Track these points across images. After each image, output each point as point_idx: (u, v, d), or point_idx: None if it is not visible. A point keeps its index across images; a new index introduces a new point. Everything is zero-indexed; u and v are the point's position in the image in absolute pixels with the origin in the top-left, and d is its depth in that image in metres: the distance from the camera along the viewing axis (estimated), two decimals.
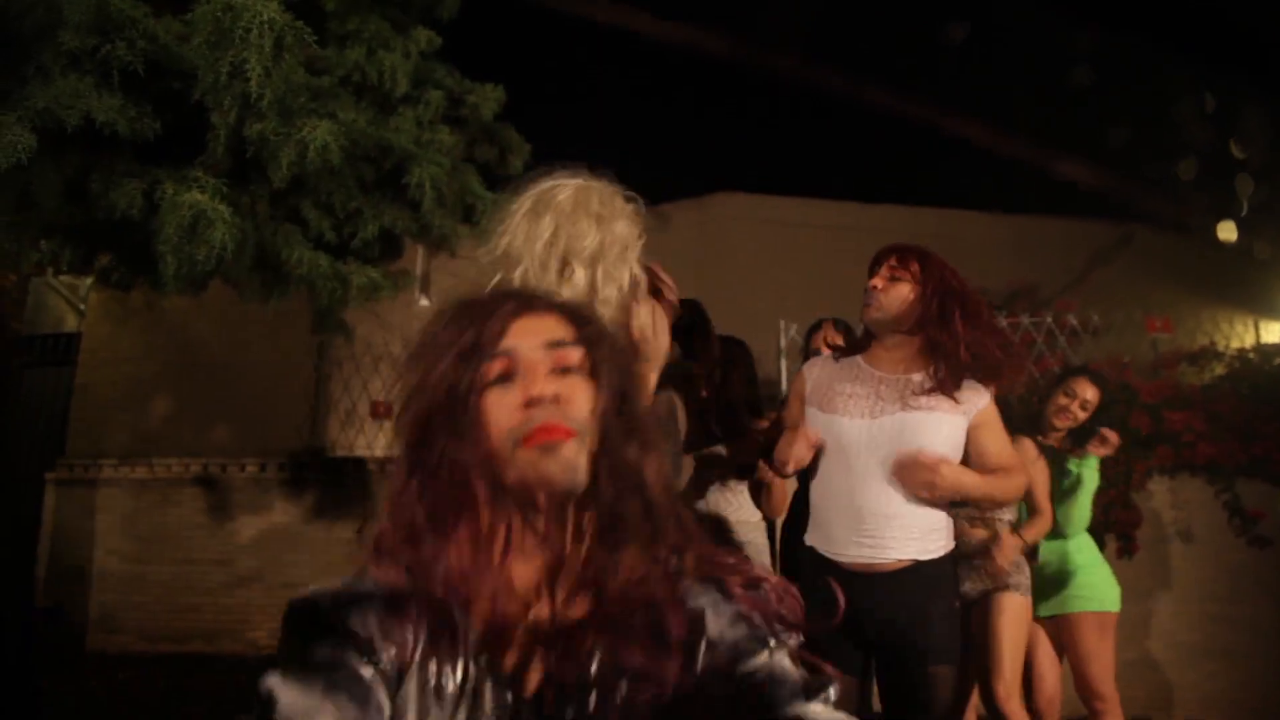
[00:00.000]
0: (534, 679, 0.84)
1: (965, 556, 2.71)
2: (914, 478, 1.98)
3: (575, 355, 0.93)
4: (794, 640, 0.91)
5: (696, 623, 0.88)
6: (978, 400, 2.09)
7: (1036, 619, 2.95)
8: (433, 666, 0.81)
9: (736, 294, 5.96)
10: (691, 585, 0.92)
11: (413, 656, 0.81)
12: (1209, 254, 7.29)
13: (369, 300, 4.11)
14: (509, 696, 0.83)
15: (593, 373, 0.94)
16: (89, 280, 6.80)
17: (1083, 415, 3.10)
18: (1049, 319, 5.65)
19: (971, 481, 2.05)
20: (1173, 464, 4.99)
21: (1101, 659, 2.87)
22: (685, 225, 7.15)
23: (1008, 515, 2.90)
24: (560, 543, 0.89)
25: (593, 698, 0.82)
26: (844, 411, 2.09)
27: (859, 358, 2.19)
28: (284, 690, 0.74)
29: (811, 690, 0.84)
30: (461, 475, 0.87)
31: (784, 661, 0.88)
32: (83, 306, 7.86)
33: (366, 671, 0.78)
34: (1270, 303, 7.22)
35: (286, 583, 5.99)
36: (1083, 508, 3.02)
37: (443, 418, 0.89)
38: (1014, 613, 2.76)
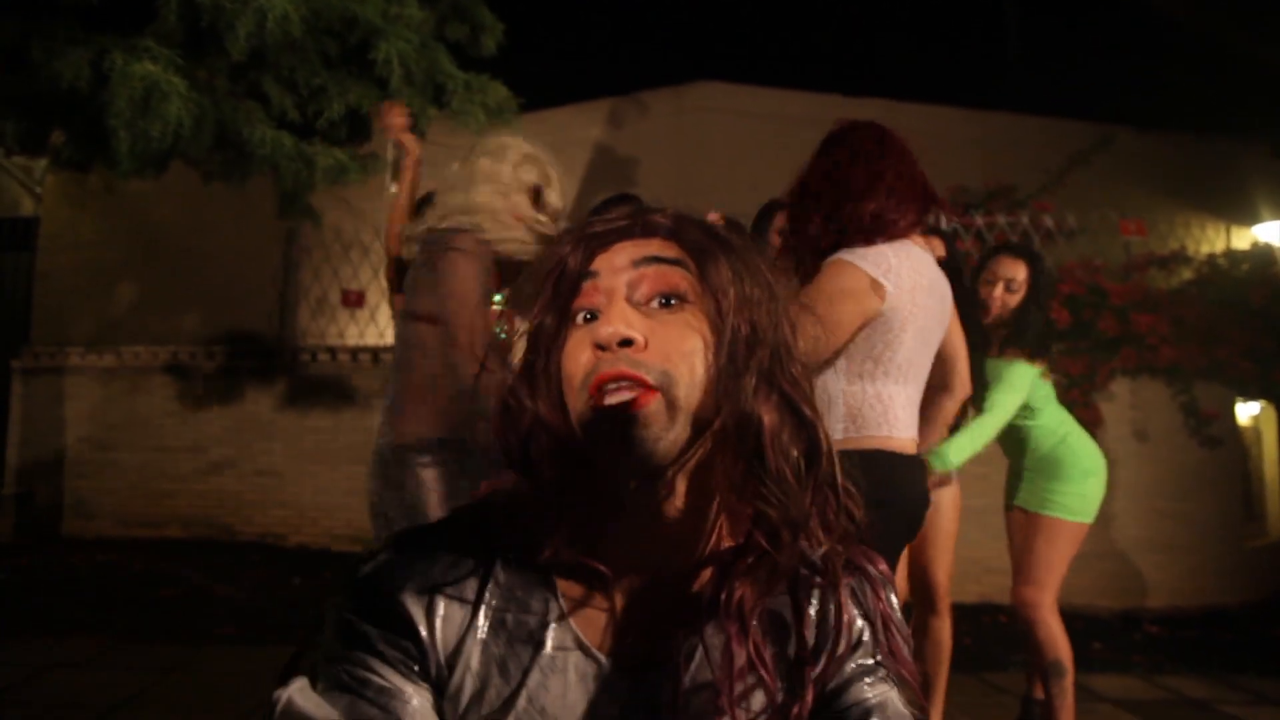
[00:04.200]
0: (619, 650, 0.73)
1: None
2: None
3: (675, 276, 0.72)
4: (910, 676, 0.77)
5: (802, 626, 0.74)
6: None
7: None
8: (509, 620, 0.72)
9: (715, 186, 5.87)
10: (811, 577, 0.76)
11: (480, 612, 0.71)
12: (1187, 158, 7.26)
13: (336, 183, 3.99)
14: (588, 664, 0.72)
15: (708, 299, 0.72)
16: (44, 162, 6.53)
17: (1012, 299, 2.67)
18: (1025, 219, 5.64)
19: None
20: (1135, 366, 5.08)
21: (1059, 569, 2.69)
22: (663, 114, 6.96)
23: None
24: (662, 511, 0.71)
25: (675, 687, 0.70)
26: None
27: None
28: (301, 701, 0.67)
29: None
30: (549, 439, 0.72)
31: (896, 699, 0.74)
32: (39, 189, 7.58)
33: (402, 683, 0.68)
34: (1242, 209, 7.25)
35: (260, 470, 6.04)
36: (993, 411, 2.56)
37: (527, 367, 0.75)
38: (955, 505, 2.67)
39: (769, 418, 0.70)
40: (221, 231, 6.62)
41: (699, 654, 0.71)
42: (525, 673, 0.70)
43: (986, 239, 5.59)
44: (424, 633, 0.69)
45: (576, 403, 0.69)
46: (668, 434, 0.66)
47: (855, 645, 0.75)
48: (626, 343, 0.68)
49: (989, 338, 2.71)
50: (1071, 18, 9.76)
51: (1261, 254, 5.84)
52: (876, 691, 0.73)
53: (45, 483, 6.25)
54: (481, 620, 0.71)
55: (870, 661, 0.75)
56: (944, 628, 2.73)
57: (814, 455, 0.72)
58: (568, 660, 0.71)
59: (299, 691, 0.67)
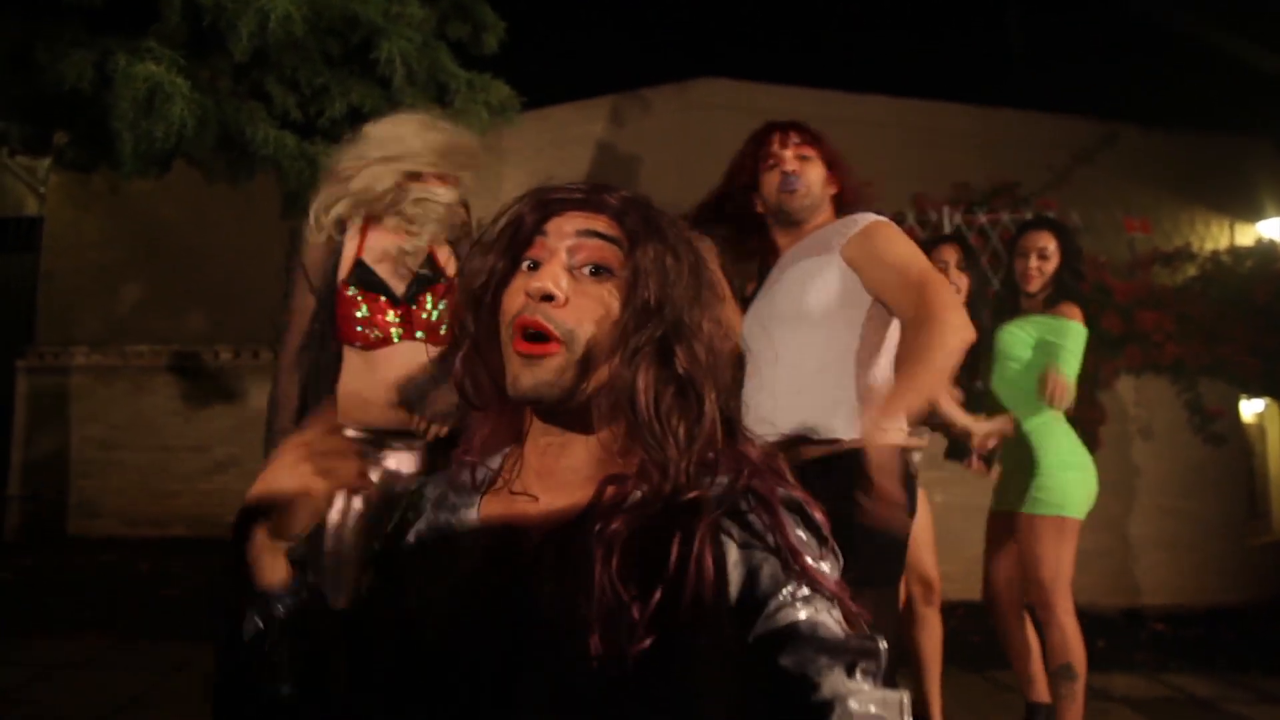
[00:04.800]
0: (534, 580, 0.79)
1: None
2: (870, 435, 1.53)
3: (608, 252, 0.84)
4: (835, 579, 0.79)
5: (716, 548, 0.77)
6: (847, 229, 1.76)
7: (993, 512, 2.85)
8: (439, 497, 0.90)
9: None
10: (727, 500, 0.81)
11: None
12: (1192, 155, 7.25)
13: None
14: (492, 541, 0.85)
15: (629, 275, 0.83)
16: (47, 163, 6.55)
17: (1049, 266, 2.76)
18: (1029, 216, 5.61)
19: (914, 382, 1.56)
20: (1140, 363, 5.07)
21: (1054, 567, 2.60)
22: (667, 112, 6.94)
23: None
24: (559, 433, 0.86)
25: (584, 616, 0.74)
26: (751, 307, 1.90)
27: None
28: None
29: (855, 657, 0.71)
30: (482, 361, 0.89)
31: (825, 617, 0.75)
32: (42, 190, 7.60)
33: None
34: (1246, 206, 7.24)
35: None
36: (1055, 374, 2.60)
37: (474, 299, 0.88)
38: (925, 499, 2.65)
39: (643, 379, 0.81)
40: (224, 231, 6.62)
41: (569, 570, 0.79)
42: (444, 540, 0.87)
43: (990, 236, 5.58)
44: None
45: (504, 334, 0.85)
46: (560, 379, 0.81)
47: (754, 581, 0.77)
48: (549, 298, 0.81)
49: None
50: (1075, 14, 9.74)
51: (1265, 251, 5.83)
52: (806, 613, 0.75)
53: (50, 482, 6.27)
54: (418, 501, 0.91)
55: (790, 588, 0.76)
56: (937, 617, 2.77)
57: (699, 421, 0.82)
58: (477, 538, 0.85)
59: None
